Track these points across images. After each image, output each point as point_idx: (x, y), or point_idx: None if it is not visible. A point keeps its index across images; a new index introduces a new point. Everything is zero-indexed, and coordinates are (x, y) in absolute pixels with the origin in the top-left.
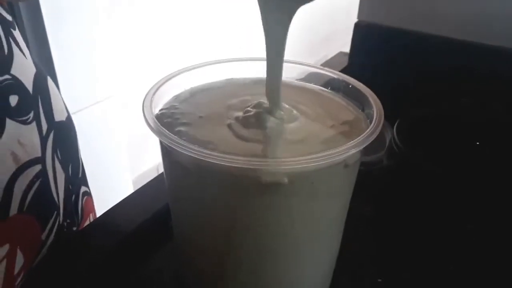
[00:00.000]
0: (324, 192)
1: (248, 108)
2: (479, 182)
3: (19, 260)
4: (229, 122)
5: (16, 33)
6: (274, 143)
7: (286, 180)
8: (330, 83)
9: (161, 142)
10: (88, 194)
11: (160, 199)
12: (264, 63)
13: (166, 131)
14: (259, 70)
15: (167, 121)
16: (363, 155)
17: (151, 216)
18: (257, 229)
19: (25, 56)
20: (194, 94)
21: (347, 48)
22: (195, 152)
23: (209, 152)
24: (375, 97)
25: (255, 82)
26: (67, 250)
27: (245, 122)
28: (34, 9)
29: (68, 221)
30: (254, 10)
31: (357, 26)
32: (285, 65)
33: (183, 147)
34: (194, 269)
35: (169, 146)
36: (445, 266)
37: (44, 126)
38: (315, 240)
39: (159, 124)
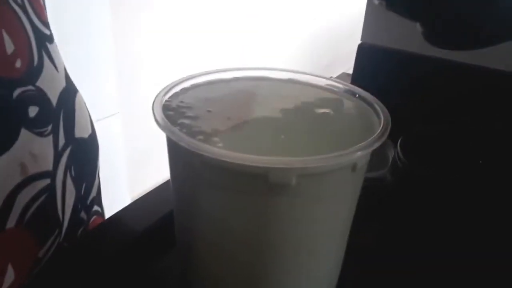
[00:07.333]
0: (330, 195)
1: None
2: (486, 197)
3: (9, 276)
4: (236, 117)
5: (52, 47)
6: (284, 142)
7: (294, 181)
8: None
9: (167, 138)
10: (98, 213)
11: (162, 208)
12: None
13: (171, 125)
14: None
15: (170, 114)
16: (369, 164)
17: (152, 223)
18: (261, 231)
19: (56, 69)
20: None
21: (350, 70)
22: (198, 148)
23: (214, 148)
24: (381, 103)
25: (263, 79)
26: (65, 256)
27: (255, 119)
28: None
29: (67, 240)
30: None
31: (360, 48)
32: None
33: (187, 142)
34: (198, 274)
35: (172, 140)
36: (454, 281)
37: (61, 141)
38: (318, 244)
39: (165, 119)
